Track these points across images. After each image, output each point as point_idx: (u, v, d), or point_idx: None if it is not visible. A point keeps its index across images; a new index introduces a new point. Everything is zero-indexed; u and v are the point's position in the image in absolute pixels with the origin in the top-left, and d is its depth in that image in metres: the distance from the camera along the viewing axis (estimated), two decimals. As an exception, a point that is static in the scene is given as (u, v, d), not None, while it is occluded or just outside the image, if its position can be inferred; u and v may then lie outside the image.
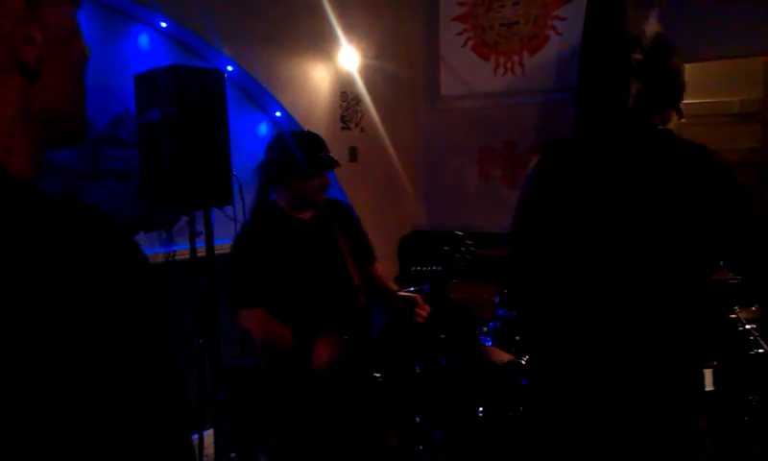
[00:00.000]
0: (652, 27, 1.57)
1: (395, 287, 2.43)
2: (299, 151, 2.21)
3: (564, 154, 1.66)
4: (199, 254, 2.93)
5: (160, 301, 0.63)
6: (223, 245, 3.11)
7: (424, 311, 2.25)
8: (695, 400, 1.58)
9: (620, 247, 1.53)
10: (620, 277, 1.54)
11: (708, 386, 2.24)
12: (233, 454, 2.90)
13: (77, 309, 0.54)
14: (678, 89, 1.60)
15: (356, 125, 4.20)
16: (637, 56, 1.55)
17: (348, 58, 4.03)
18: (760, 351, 2.42)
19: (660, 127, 1.58)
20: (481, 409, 2.56)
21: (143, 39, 3.10)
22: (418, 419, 2.55)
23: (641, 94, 1.56)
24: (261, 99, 3.68)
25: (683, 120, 1.62)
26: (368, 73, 4.19)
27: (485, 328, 2.70)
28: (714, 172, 1.48)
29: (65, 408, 0.53)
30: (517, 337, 2.47)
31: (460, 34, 4.60)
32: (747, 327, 2.45)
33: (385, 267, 2.87)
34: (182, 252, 3.15)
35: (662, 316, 1.52)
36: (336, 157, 2.33)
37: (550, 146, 1.69)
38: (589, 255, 1.57)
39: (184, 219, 3.05)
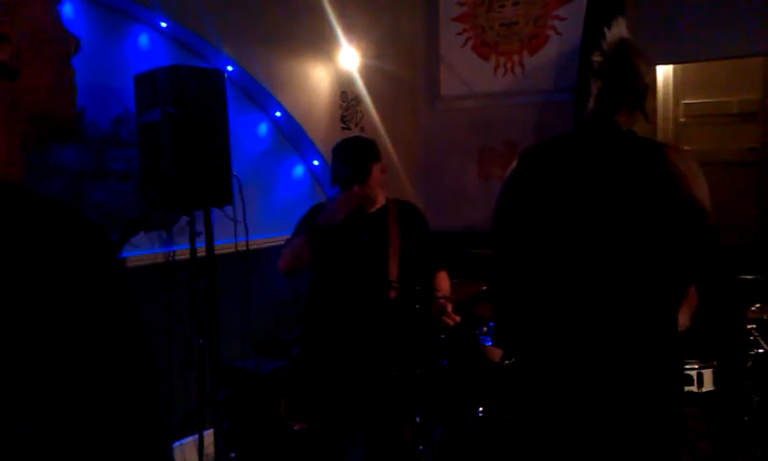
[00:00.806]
0: (617, 31, 1.63)
1: (442, 293, 2.50)
2: (337, 161, 2.41)
3: (536, 158, 1.72)
4: (199, 255, 2.93)
5: (128, 297, 0.62)
6: (223, 245, 3.11)
7: (451, 320, 2.40)
8: (675, 395, 1.61)
9: (584, 247, 1.58)
10: (587, 277, 1.58)
11: (708, 386, 2.25)
12: (233, 454, 2.91)
13: (44, 302, 0.55)
14: (641, 91, 1.65)
15: (356, 125, 4.20)
16: (597, 58, 1.61)
17: (348, 58, 4.03)
18: (760, 351, 2.42)
19: (625, 128, 1.62)
20: (481, 409, 2.56)
21: (143, 39, 3.10)
22: (418, 419, 2.55)
23: (602, 95, 1.62)
24: (261, 99, 3.68)
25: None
26: (368, 73, 4.19)
27: (485, 328, 2.70)
28: (667, 173, 1.52)
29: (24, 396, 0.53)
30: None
31: (460, 34, 4.60)
32: (747, 326, 2.45)
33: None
34: (182, 252, 3.15)
35: (632, 314, 1.56)
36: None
37: (526, 151, 1.76)
38: (559, 256, 1.63)
39: (184, 219, 3.05)
